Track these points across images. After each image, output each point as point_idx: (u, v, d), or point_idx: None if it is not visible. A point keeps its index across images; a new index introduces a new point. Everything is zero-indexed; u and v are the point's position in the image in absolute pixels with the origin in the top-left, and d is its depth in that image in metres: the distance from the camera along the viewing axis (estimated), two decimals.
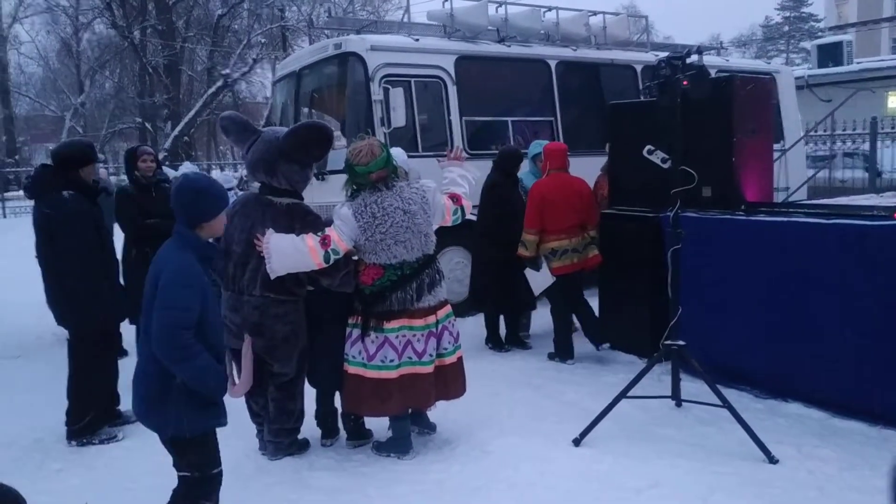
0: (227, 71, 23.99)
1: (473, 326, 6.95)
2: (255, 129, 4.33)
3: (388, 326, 4.13)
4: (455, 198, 4.42)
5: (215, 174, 10.07)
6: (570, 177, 5.97)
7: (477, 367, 4.84)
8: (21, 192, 25.54)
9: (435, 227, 4.32)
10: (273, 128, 4.51)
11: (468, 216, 4.59)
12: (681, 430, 4.50)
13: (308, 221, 4.08)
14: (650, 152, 4.28)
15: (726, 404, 4.21)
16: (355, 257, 4.25)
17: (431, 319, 4.24)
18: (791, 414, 4.69)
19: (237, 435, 4.35)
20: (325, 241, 3.98)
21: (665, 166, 4.31)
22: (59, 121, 31.43)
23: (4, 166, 27.22)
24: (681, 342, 4.43)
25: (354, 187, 4.16)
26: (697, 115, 5.13)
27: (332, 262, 4.02)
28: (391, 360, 4.15)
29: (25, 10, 28.46)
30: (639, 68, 9.02)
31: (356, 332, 4.21)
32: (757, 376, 5.05)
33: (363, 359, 4.18)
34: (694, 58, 3.96)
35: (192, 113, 24.49)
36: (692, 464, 4.00)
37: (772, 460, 3.99)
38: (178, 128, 24.14)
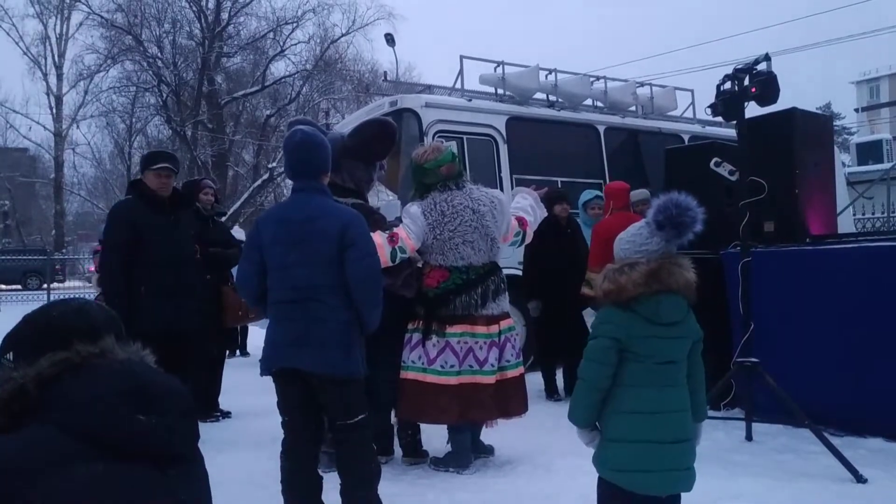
0: (273, 165, 24.76)
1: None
2: (322, 130, 4.42)
3: (450, 331, 4.03)
4: (521, 221, 4.41)
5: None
6: (633, 215, 5.90)
7: (534, 409, 4.65)
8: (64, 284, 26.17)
9: (499, 238, 4.28)
10: (337, 130, 4.59)
11: (525, 242, 4.58)
12: (756, 457, 4.24)
13: (374, 220, 4.06)
14: (717, 164, 4.25)
15: (807, 423, 3.99)
16: (419, 264, 4.21)
17: (494, 329, 4.13)
18: (873, 447, 4.38)
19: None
20: (392, 238, 3.97)
21: (732, 179, 4.27)
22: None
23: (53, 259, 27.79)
24: (754, 359, 4.24)
25: (423, 189, 4.17)
26: (759, 148, 5.14)
27: (397, 260, 3.98)
28: (451, 366, 4.02)
29: (84, 113, 29.84)
30: (686, 137, 9.10)
31: (416, 337, 4.11)
32: (832, 413, 4.76)
33: (423, 363, 4.06)
34: (763, 65, 3.97)
35: (237, 204, 25.09)
36: (776, 482, 3.74)
37: (860, 479, 3.72)
38: (223, 219, 24.65)
